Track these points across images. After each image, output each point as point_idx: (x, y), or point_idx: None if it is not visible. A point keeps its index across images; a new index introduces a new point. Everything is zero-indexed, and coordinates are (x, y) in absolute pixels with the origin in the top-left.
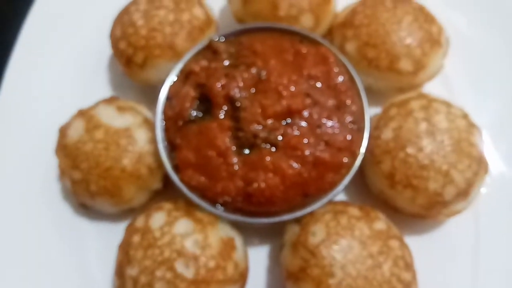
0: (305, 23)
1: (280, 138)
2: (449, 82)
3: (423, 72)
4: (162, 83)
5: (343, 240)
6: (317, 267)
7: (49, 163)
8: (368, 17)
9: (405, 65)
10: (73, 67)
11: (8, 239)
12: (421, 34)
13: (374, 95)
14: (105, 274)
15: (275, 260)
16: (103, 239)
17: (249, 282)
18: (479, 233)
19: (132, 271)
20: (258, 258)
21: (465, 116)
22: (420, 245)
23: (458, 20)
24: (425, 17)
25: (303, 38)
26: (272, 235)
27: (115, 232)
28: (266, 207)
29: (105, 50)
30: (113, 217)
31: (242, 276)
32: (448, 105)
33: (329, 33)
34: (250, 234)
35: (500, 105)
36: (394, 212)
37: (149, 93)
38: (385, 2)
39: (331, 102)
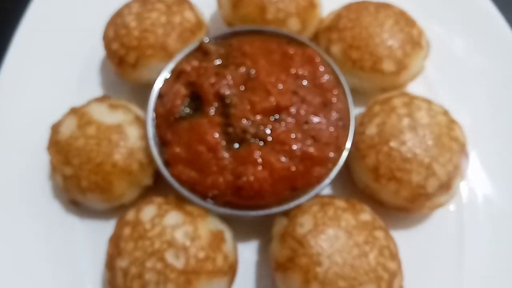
0: (292, 26)
1: (268, 133)
2: (431, 83)
3: (405, 72)
4: (153, 82)
5: (330, 230)
6: (305, 257)
7: (41, 162)
8: (352, 21)
9: (387, 65)
10: (66, 68)
11: None
12: (402, 36)
13: (359, 95)
14: (95, 269)
15: (264, 254)
16: (94, 236)
17: (239, 275)
18: (464, 227)
19: (122, 263)
20: (247, 252)
21: (445, 112)
22: (406, 239)
23: (438, 25)
24: (406, 21)
25: (290, 40)
26: (261, 229)
27: (105, 229)
28: (255, 200)
29: (98, 51)
30: (104, 214)
31: (232, 268)
32: (429, 102)
33: (315, 37)
34: (240, 228)
35: (479, 106)
36: (379, 206)
37: (140, 93)
38: (368, 7)
39: (317, 100)
